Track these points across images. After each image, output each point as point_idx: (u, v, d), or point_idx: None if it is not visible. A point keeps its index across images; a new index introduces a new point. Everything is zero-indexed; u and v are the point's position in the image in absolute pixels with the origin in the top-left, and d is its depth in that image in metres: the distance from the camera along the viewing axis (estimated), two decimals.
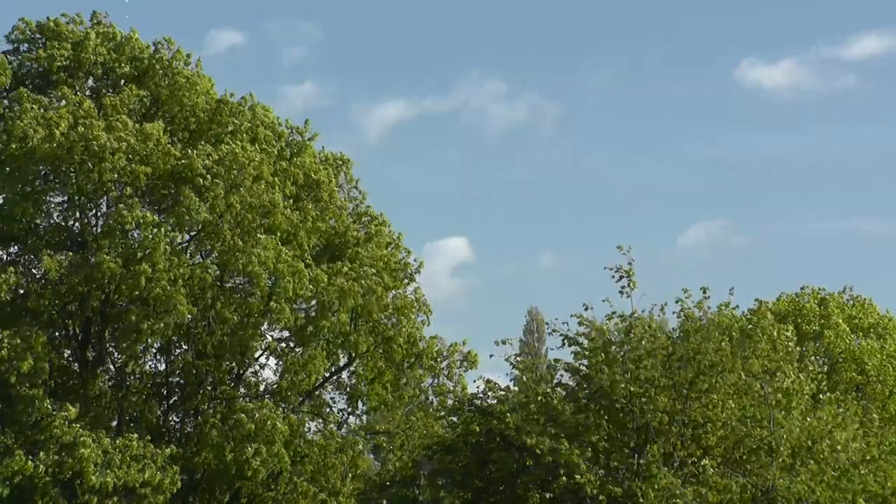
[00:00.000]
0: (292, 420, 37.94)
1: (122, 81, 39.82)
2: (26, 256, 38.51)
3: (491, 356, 36.89)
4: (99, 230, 37.17)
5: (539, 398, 30.39)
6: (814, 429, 29.94)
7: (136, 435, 35.60)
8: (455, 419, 34.28)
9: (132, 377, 40.18)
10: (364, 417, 43.71)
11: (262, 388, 40.91)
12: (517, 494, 30.07)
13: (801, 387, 30.85)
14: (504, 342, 31.48)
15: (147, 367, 40.78)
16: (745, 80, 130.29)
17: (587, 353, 30.77)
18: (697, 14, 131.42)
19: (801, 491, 28.70)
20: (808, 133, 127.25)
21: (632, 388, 29.28)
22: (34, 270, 37.88)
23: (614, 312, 30.56)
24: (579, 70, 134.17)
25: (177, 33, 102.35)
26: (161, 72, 39.85)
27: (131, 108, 38.45)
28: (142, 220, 35.29)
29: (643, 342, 29.83)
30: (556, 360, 31.86)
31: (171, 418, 40.50)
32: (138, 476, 34.52)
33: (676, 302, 30.98)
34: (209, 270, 36.85)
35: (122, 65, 39.85)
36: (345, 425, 42.13)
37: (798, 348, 32.27)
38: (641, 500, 27.96)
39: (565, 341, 31.03)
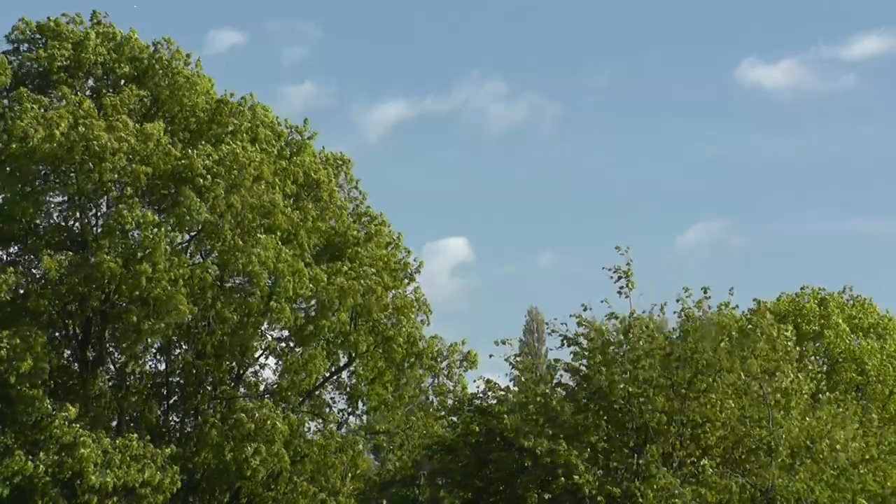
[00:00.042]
0: (292, 420, 37.96)
1: (122, 81, 39.84)
2: (26, 256, 38.51)
3: (490, 356, 37.02)
4: (99, 230, 37.17)
5: (538, 399, 30.40)
6: (813, 428, 29.95)
7: (135, 435, 35.62)
8: (455, 419, 34.31)
9: (132, 377, 40.20)
10: (364, 417, 43.73)
11: (262, 387, 40.93)
12: (517, 494, 30.08)
13: (800, 386, 30.85)
14: (504, 342, 31.56)
15: (147, 367, 40.81)
16: (745, 80, 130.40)
17: (586, 353, 30.80)
18: (697, 14, 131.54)
19: (799, 490, 28.70)
20: (808, 133, 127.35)
21: (630, 389, 29.30)
22: (34, 270, 37.89)
23: (612, 313, 30.59)
24: (579, 70, 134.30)
25: (177, 33, 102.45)
26: (161, 72, 39.86)
27: (131, 108, 38.46)
28: (142, 220, 35.30)
29: (641, 342, 29.84)
30: (557, 361, 31.88)
31: (171, 418, 40.52)
32: (138, 476, 34.53)
33: (677, 301, 31.03)
34: (209, 270, 36.87)
35: (122, 65, 39.87)
36: (345, 425, 42.16)
37: (797, 348, 32.28)
38: (641, 500, 27.97)
39: (564, 342, 31.06)
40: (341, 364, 41.69)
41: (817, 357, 44.74)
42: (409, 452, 39.01)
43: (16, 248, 38.94)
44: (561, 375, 31.94)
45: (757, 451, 29.65)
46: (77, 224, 38.36)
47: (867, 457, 30.94)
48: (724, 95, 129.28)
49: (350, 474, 39.90)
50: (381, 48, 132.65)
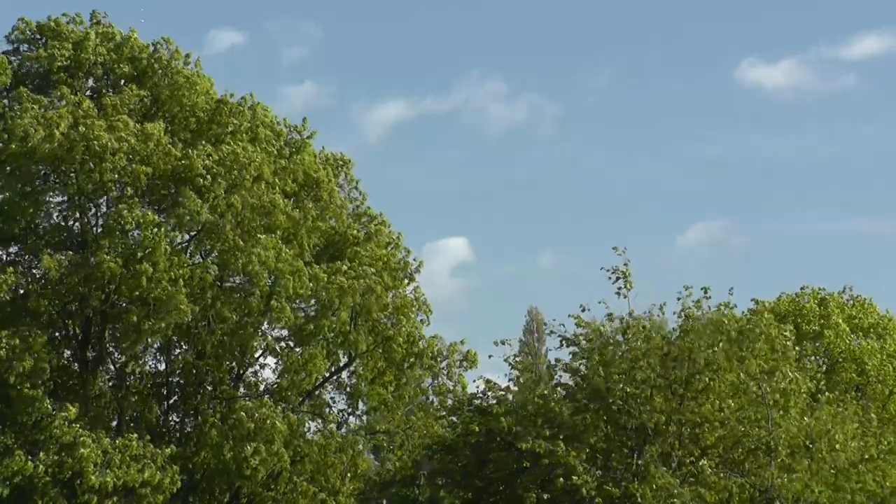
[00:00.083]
0: (292, 420, 37.95)
1: (122, 81, 39.83)
2: (26, 256, 38.52)
3: (490, 356, 37.00)
4: (99, 230, 37.17)
5: (537, 400, 30.39)
6: (812, 428, 29.95)
7: (135, 435, 35.64)
8: (455, 419, 34.32)
9: (132, 377, 40.21)
10: (364, 417, 43.72)
11: (261, 387, 40.92)
12: (517, 494, 30.08)
13: (799, 386, 30.85)
14: (503, 342, 31.56)
15: (147, 367, 40.81)
16: (745, 80, 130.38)
17: (585, 354, 30.82)
18: (697, 14, 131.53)
19: (798, 490, 28.70)
20: (808, 133, 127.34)
21: (628, 389, 29.31)
22: (34, 270, 37.89)
23: (610, 314, 30.62)
24: (579, 70, 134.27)
25: (177, 33, 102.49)
26: (160, 71, 39.85)
27: (131, 108, 38.46)
28: (142, 220, 35.31)
29: (638, 342, 29.86)
30: (558, 361, 31.90)
31: (171, 418, 40.52)
32: (138, 476, 34.54)
33: (678, 300, 31.03)
34: (209, 270, 36.87)
35: (122, 65, 39.86)
36: (345, 425, 42.17)
37: (797, 348, 32.28)
38: (640, 500, 27.97)
39: (563, 342, 31.10)
40: (341, 364, 41.68)
41: (817, 357, 44.76)
42: (409, 452, 39.00)
43: (16, 248, 38.94)
44: (560, 376, 31.96)
45: (756, 451, 29.66)
46: (77, 224, 38.37)
47: (866, 456, 30.94)
48: (724, 95, 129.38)
49: (350, 474, 39.90)
50: (381, 48, 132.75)
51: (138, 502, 35.07)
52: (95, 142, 35.67)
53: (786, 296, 48.75)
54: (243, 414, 36.87)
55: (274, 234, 37.45)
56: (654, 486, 27.86)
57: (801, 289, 49.19)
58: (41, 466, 34.04)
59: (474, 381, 34.54)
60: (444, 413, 35.98)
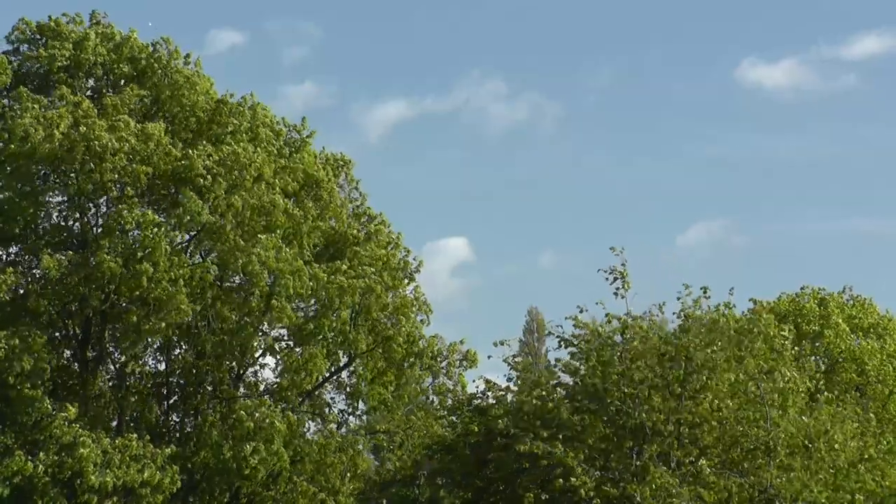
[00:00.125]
0: (291, 419, 37.93)
1: (122, 81, 39.84)
2: (26, 256, 38.53)
3: (489, 357, 36.97)
4: (99, 230, 37.18)
5: (534, 401, 30.37)
6: (811, 428, 29.94)
7: (135, 435, 35.65)
8: (455, 419, 34.31)
9: (132, 377, 40.22)
10: (364, 417, 43.73)
11: (261, 387, 40.93)
12: (517, 494, 30.08)
13: (797, 385, 30.84)
14: (502, 343, 31.56)
15: (147, 367, 40.82)
16: (746, 79, 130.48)
17: (583, 355, 30.82)
18: (697, 14, 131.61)
19: (797, 490, 28.69)
20: (808, 133, 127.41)
21: (626, 389, 29.31)
22: (34, 270, 37.90)
23: (608, 314, 30.61)
24: (579, 70, 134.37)
25: (177, 33, 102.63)
26: (160, 71, 39.85)
27: (132, 108, 38.47)
28: (142, 220, 35.32)
29: (635, 343, 29.87)
30: (558, 360, 31.89)
31: (171, 418, 40.53)
32: (138, 476, 34.55)
33: (678, 300, 31.02)
34: (209, 270, 36.87)
35: (122, 65, 39.87)
36: (344, 425, 42.17)
37: (795, 348, 32.25)
38: (639, 500, 27.97)
39: (561, 343, 31.10)
40: (341, 364, 41.68)
41: (817, 357, 44.74)
42: (409, 452, 39.00)
43: (16, 248, 38.96)
44: (559, 377, 31.94)
45: (755, 451, 29.65)
46: (77, 224, 38.40)
47: (866, 456, 30.93)
48: (724, 95, 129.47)
49: (350, 474, 39.90)
50: (382, 48, 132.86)
51: (138, 502, 35.08)
52: (96, 142, 35.68)
53: (786, 296, 48.69)
54: (243, 413, 36.86)
55: (274, 234, 37.45)
56: (653, 485, 27.85)
57: (801, 289, 49.14)
58: (41, 466, 34.05)
59: (474, 381, 34.59)
60: (444, 413, 35.95)
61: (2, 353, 34.38)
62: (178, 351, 40.53)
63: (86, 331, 38.50)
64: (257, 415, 36.89)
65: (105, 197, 37.61)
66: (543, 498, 28.94)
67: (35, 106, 36.64)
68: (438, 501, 33.72)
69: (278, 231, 37.82)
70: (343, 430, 41.78)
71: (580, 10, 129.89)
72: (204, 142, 38.66)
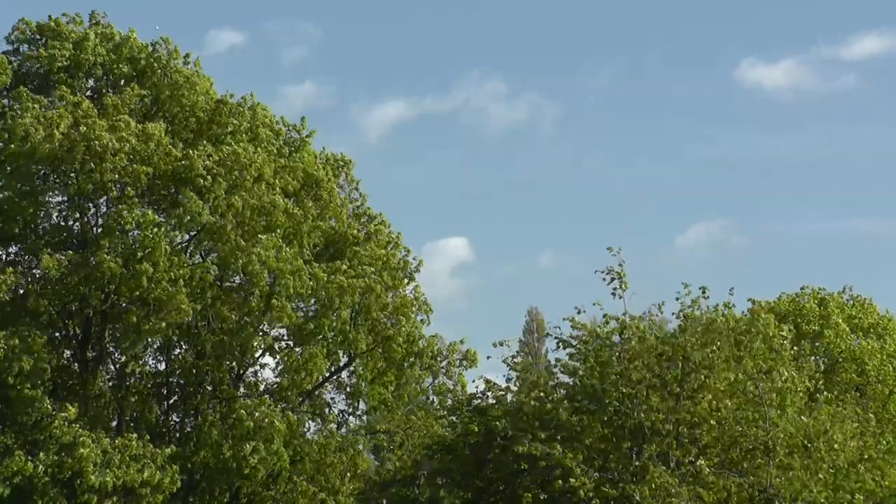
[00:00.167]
0: (291, 419, 37.95)
1: (122, 81, 39.87)
2: (26, 256, 38.55)
3: (489, 358, 36.99)
4: (99, 230, 37.20)
5: (532, 402, 30.37)
6: (810, 428, 29.95)
7: (135, 435, 35.66)
8: (455, 419, 34.32)
9: (132, 377, 40.23)
10: (364, 417, 43.75)
11: (261, 387, 40.94)
12: (517, 494, 30.08)
13: (796, 385, 30.84)
14: (501, 344, 31.57)
15: (147, 367, 40.83)
16: (745, 80, 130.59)
17: (581, 355, 30.83)
18: (697, 14, 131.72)
19: (797, 489, 28.69)
20: (808, 133, 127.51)
21: (624, 390, 29.32)
22: (34, 270, 37.92)
23: (605, 315, 30.61)
24: (579, 70, 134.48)
25: (177, 33, 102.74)
26: (159, 71, 39.87)
27: (132, 108, 38.50)
28: (142, 220, 35.33)
29: (633, 343, 29.88)
30: (558, 361, 31.91)
31: (171, 418, 40.54)
32: (137, 476, 34.56)
33: (677, 300, 31.03)
34: (209, 270, 36.89)
35: (121, 65, 39.90)
36: (344, 425, 42.19)
37: (795, 347, 32.23)
38: (638, 499, 27.97)
39: (560, 344, 31.10)
40: (341, 364, 41.70)
41: (817, 357, 44.74)
42: (409, 452, 39.01)
43: (16, 247, 38.98)
44: (558, 377, 31.95)
45: (754, 451, 29.65)
46: (77, 224, 38.41)
47: (865, 456, 30.92)
48: (724, 95, 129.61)
49: (350, 474, 39.92)
50: (381, 48, 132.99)
51: (138, 502, 35.10)
52: (96, 142, 35.70)
53: (786, 296, 48.70)
54: (243, 413, 36.87)
55: (274, 234, 37.46)
56: (652, 485, 27.85)
57: (801, 289, 49.14)
58: (41, 466, 34.06)
59: (474, 381, 34.61)
60: (444, 413, 35.96)
61: (2, 353, 34.40)
62: (178, 351, 40.55)
63: (86, 331, 38.52)
64: (257, 414, 36.91)
65: (105, 197, 37.64)
66: (543, 498, 28.92)
67: (35, 106, 36.67)
68: (438, 501, 33.73)
69: (278, 231, 37.84)
70: (343, 430, 41.81)
71: (580, 10, 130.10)
72: (204, 142, 38.68)
